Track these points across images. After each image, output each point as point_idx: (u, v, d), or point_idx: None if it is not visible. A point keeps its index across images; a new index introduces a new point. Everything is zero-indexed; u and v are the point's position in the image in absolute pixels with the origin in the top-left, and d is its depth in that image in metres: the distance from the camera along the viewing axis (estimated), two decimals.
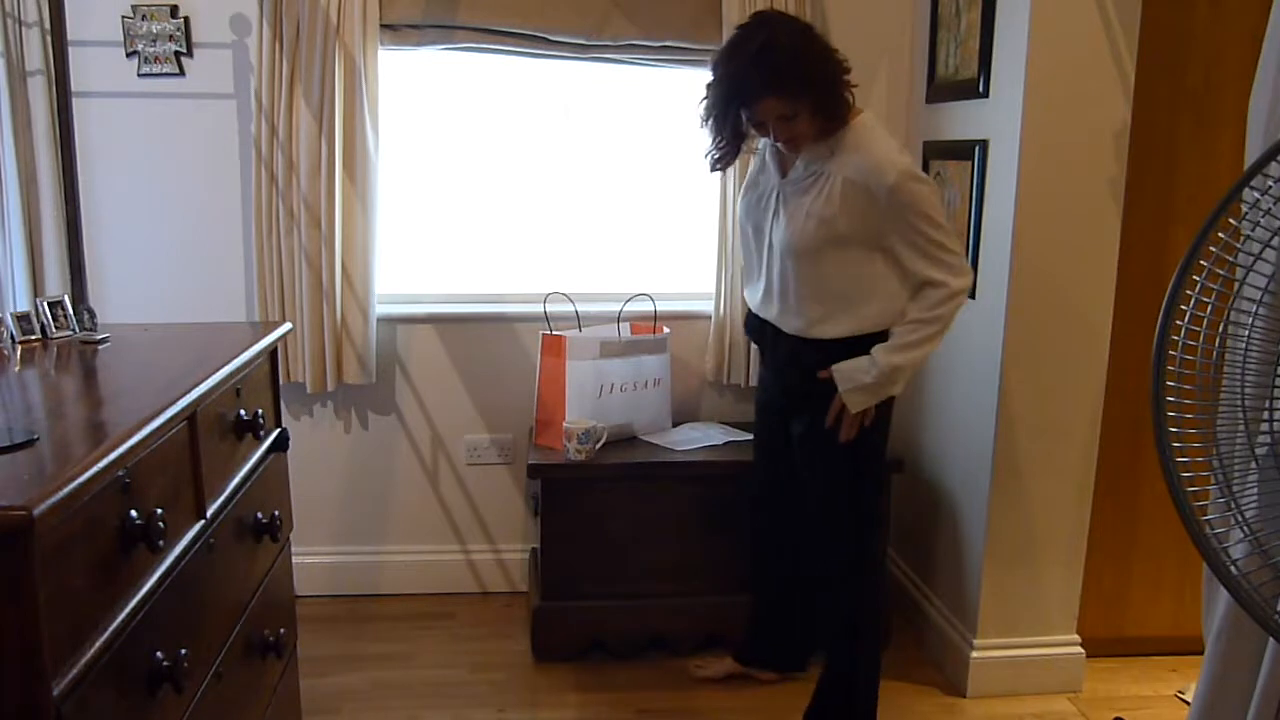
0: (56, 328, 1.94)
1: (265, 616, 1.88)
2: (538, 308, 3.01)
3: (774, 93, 2.04)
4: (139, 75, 2.89)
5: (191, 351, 1.77)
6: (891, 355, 2.13)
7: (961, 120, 2.75)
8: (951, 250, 2.12)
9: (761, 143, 2.28)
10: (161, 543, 1.31)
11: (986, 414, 2.61)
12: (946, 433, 2.89)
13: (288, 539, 2.09)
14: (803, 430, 2.32)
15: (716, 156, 2.23)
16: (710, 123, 2.17)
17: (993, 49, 2.55)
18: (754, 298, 2.36)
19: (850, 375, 2.16)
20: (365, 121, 2.84)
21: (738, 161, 2.35)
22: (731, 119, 2.11)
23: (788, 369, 2.32)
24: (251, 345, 1.84)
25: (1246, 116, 1.81)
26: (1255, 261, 1.46)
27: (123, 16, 2.85)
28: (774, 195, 2.23)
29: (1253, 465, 1.53)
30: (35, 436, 1.25)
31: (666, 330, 3.02)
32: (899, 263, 2.14)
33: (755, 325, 2.40)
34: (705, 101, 2.16)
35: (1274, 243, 1.47)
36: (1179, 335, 1.49)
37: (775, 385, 2.43)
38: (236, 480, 1.73)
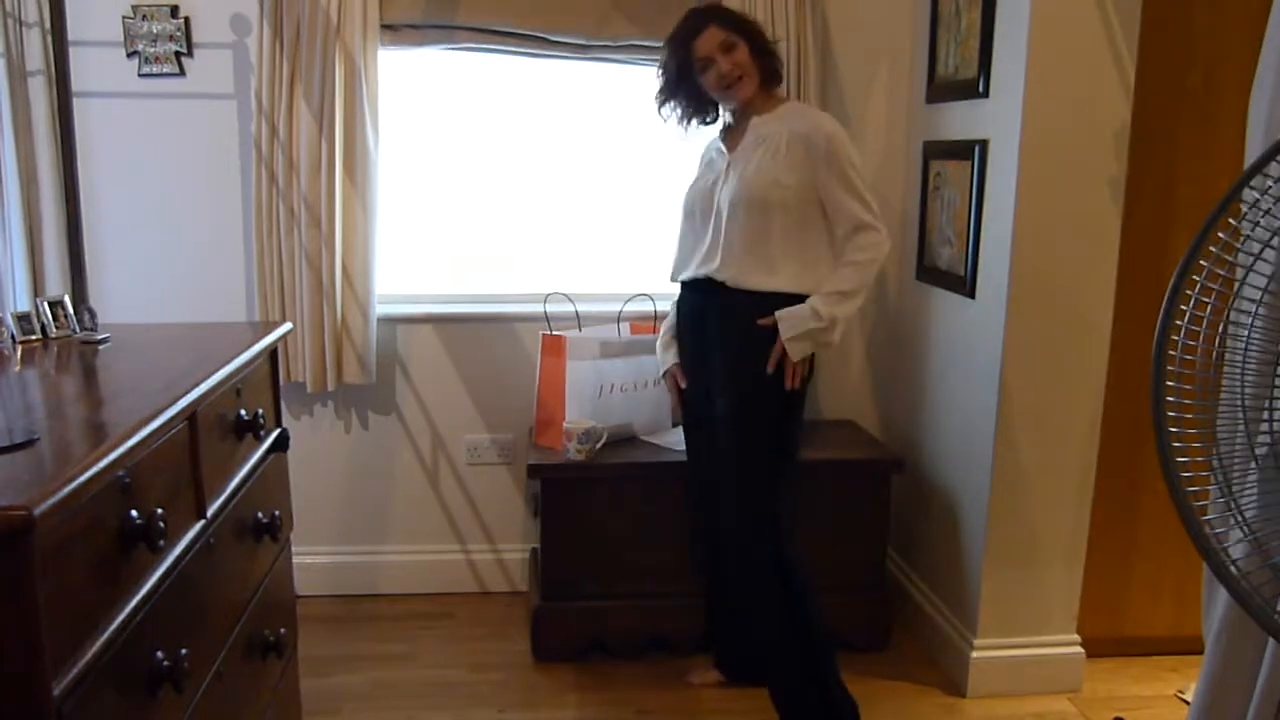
0: (57, 327, 1.94)
1: (265, 616, 1.88)
2: (538, 308, 3.01)
3: (713, 21, 2.32)
4: (139, 75, 2.89)
5: (191, 351, 1.77)
6: (832, 307, 2.28)
7: (961, 120, 2.75)
8: (874, 205, 2.32)
9: (703, 148, 2.51)
10: (162, 543, 1.30)
11: (986, 414, 2.61)
12: (946, 433, 2.88)
13: (288, 539, 2.09)
14: (725, 407, 2.37)
15: (681, 114, 2.44)
16: (667, 88, 2.40)
17: (993, 49, 2.55)
18: (688, 268, 2.48)
19: (793, 322, 2.28)
20: (365, 121, 2.84)
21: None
22: (686, 72, 2.34)
23: (724, 326, 2.39)
24: (251, 345, 1.84)
25: (1246, 116, 1.81)
26: (1255, 261, 1.46)
27: (123, 16, 2.85)
28: (725, 170, 2.40)
29: (1253, 465, 1.53)
30: (35, 436, 1.25)
31: None
32: (832, 211, 2.32)
33: (690, 304, 2.51)
34: (661, 77, 2.41)
35: (1274, 243, 1.47)
36: (1179, 335, 1.49)
37: (701, 370, 2.49)
38: (237, 480, 1.73)
